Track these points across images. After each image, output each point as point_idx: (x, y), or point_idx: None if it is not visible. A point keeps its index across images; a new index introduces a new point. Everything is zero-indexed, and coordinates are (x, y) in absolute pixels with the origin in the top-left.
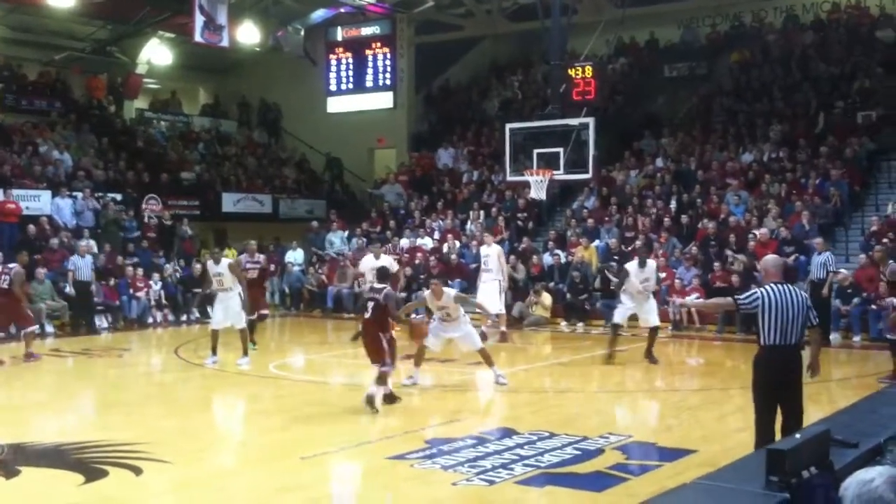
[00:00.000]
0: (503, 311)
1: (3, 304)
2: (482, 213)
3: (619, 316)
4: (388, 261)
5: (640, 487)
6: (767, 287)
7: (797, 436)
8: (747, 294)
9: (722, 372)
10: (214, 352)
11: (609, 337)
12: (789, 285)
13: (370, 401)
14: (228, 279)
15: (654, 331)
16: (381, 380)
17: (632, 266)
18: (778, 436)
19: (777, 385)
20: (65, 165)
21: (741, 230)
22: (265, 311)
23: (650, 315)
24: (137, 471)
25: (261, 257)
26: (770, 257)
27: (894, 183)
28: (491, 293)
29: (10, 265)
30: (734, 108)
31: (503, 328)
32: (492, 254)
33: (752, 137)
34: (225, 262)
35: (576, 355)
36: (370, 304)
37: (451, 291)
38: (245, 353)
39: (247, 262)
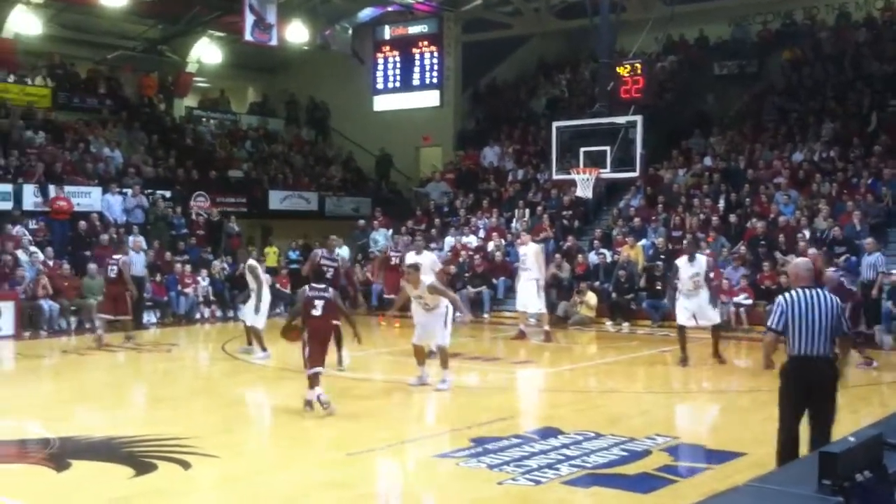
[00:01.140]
0: (544, 310)
1: (113, 293)
2: (527, 211)
3: (683, 317)
4: (430, 258)
5: (688, 490)
6: (792, 293)
7: (850, 439)
8: (772, 312)
9: (771, 373)
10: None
11: (679, 340)
12: (819, 290)
13: (310, 404)
14: (250, 280)
15: (716, 329)
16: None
17: (681, 261)
18: (803, 450)
19: (804, 398)
20: (115, 162)
21: (791, 230)
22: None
23: (708, 312)
24: (186, 465)
25: (339, 254)
26: (800, 260)
27: None
28: (529, 292)
29: (116, 256)
30: (785, 107)
31: (546, 327)
32: (529, 253)
33: (803, 136)
34: (251, 262)
35: (621, 355)
36: (319, 303)
37: (426, 280)
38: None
39: (323, 258)
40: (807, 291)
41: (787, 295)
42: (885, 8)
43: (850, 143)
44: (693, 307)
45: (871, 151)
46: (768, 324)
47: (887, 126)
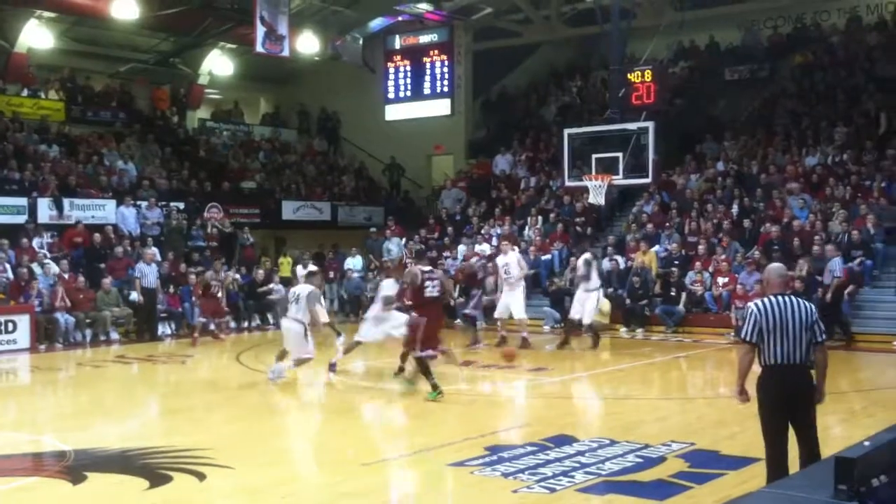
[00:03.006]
0: (525, 317)
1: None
2: (540, 218)
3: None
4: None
5: (704, 496)
6: (765, 300)
7: (866, 443)
8: (745, 321)
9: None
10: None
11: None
12: (793, 297)
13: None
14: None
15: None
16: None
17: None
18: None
19: (784, 410)
20: (129, 175)
21: (805, 234)
22: None
23: None
24: (201, 476)
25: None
26: (772, 266)
27: None
28: (517, 298)
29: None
30: (797, 111)
31: (524, 333)
32: (511, 262)
33: (815, 140)
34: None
35: (635, 361)
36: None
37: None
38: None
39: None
40: (780, 298)
41: (758, 303)
42: None
43: (863, 146)
44: None
45: (884, 154)
46: (742, 335)
47: None
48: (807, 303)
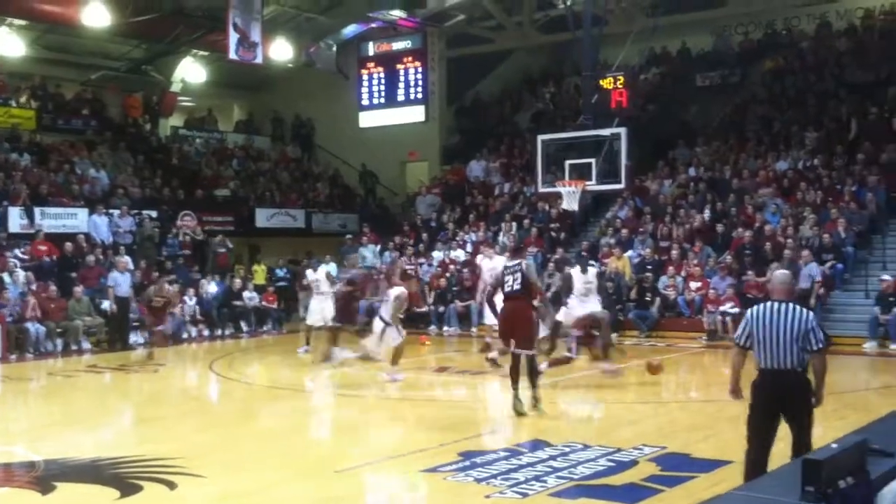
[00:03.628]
0: None
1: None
2: (514, 224)
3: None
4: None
5: (675, 499)
6: (760, 306)
7: (833, 445)
8: (740, 326)
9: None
10: (308, 343)
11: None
12: (791, 304)
13: None
14: (325, 285)
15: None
16: None
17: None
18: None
19: (770, 413)
20: (101, 183)
21: (777, 238)
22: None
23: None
24: (172, 485)
25: (354, 272)
26: (777, 273)
27: None
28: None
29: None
30: (768, 116)
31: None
32: (497, 266)
33: (786, 145)
34: (323, 268)
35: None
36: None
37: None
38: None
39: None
40: (774, 304)
41: (753, 309)
42: (865, 16)
43: (834, 150)
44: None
45: (855, 159)
46: (734, 338)
47: (869, 134)
48: (804, 311)
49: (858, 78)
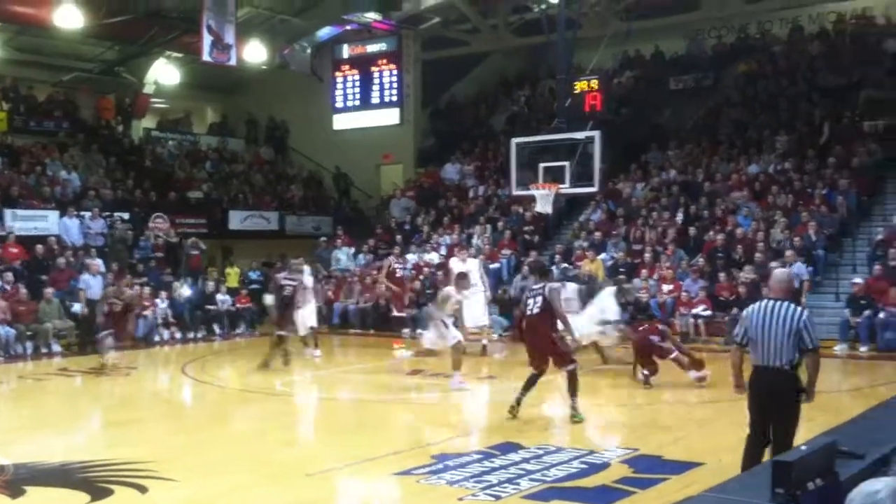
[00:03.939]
0: (488, 323)
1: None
2: (489, 227)
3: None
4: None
5: (647, 501)
6: (756, 305)
7: (803, 447)
8: (738, 324)
9: (730, 384)
10: (310, 346)
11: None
12: (786, 303)
13: None
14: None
15: None
16: None
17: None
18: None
19: (763, 407)
20: (73, 185)
21: (748, 241)
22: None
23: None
24: (143, 489)
25: (300, 277)
26: (776, 271)
27: None
28: (479, 305)
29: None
30: (741, 120)
31: (485, 341)
32: (473, 268)
33: (758, 149)
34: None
35: (582, 368)
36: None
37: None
38: (316, 346)
39: (284, 279)
40: (769, 303)
41: (750, 307)
42: (837, 20)
43: (805, 154)
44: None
45: (826, 163)
46: (733, 336)
47: (841, 137)
48: (798, 309)
49: (830, 82)
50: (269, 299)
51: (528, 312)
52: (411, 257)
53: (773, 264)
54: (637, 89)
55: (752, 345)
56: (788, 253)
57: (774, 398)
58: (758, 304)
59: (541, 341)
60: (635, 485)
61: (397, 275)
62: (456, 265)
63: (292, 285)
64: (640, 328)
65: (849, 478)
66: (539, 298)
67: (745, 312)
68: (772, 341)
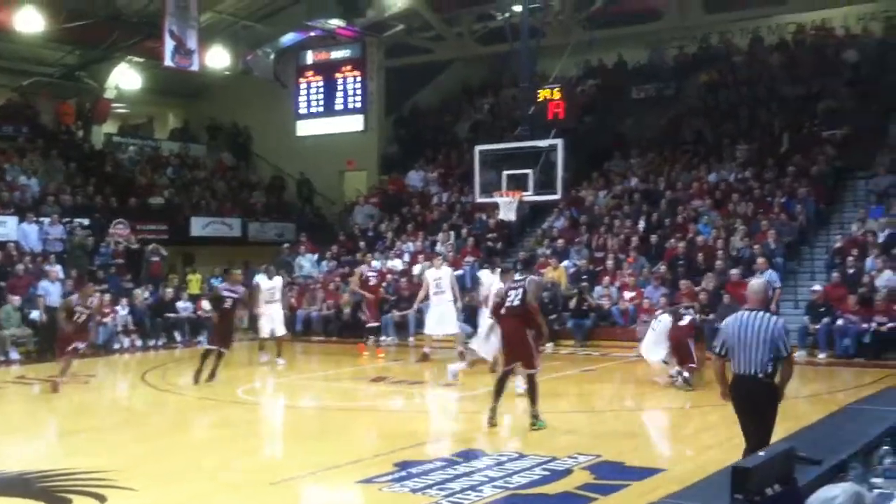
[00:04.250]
0: (459, 331)
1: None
2: (452, 234)
3: None
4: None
5: None
6: (734, 315)
7: (761, 453)
8: (717, 336)
9: (693, 390)
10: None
11: None
12: (762, 313)
13: None
14: (279, 293)
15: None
16: None
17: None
18: None
19: (743, 413)
20: (31, 191)
21: (709, 249)
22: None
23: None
24: (102, 498)
25: (240, 289)
26: (752, 282)
27: (859, 201)
28: (448, 314)
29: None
30: (702, 129)
31: (461, 348)
32: (444, 276)
33: (719, 157)
34: (278, 278)
35: (545, 375)
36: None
37: None
38: (279, 355)
39: (225, 290)
40: (746, 314)
41: (729, 318)
42: (796, 31)
43: (765, 163)
44: None
45: (785, 172)
46: (712, 347)
47: (800, 147)
48: (775, 320)
49: (790, 92)
50: (206, 305)
51: (509, 304)
52: (375, 264)
53: (734, 272)
54: (600, 98)
55: (731, 355)
56: (760, 260)
57: (751, 405)
58: (737, 315)
59: (515, 335)
60: (597, 491)
61: (370, 283)
62: (430, 273)
63: (232, 297)
64: (679, 324)
65: (807, 483)
66: (520, 290)
67: (723, 324)
68: (748, 352)
